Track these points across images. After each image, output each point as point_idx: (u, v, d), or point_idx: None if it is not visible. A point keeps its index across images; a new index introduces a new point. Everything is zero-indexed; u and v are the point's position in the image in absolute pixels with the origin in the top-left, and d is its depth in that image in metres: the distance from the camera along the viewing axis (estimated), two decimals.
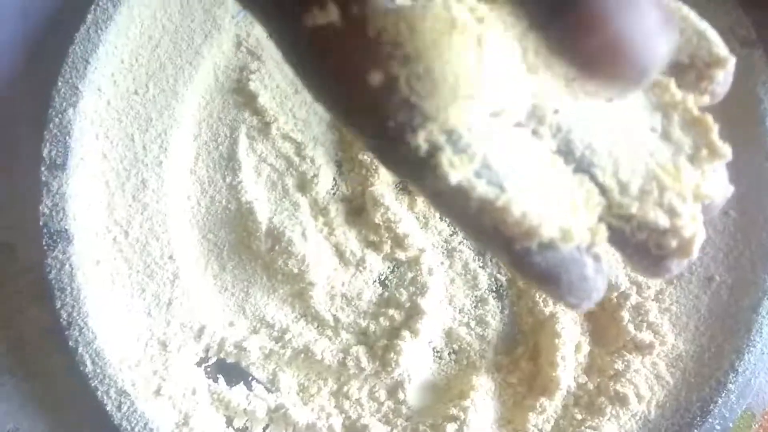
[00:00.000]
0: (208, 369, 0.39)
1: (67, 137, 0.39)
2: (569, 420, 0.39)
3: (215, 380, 0.39)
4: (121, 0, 0.40)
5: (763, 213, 0.40)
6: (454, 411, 0.38)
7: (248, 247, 0.40)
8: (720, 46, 0.23)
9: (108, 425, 0.37)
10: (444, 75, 0.18)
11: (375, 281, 0.41)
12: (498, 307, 0.41)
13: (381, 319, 0.40)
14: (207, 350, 0.39)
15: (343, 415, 0.39)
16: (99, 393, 0.37)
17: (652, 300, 0.40)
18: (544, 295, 0.40)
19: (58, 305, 0.38)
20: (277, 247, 0.39)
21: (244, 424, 0.38)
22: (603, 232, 0.21)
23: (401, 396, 0.39)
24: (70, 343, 0.37)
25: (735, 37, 0.42)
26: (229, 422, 0.38)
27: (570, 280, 0.20)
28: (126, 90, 0.41)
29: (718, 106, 0.42)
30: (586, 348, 0.39)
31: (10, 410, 0.39)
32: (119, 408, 0.37)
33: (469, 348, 0.40)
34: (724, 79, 0.23)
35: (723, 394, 0.38)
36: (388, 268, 0.41)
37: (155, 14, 0.41)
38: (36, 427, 0.39)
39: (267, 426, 0.38)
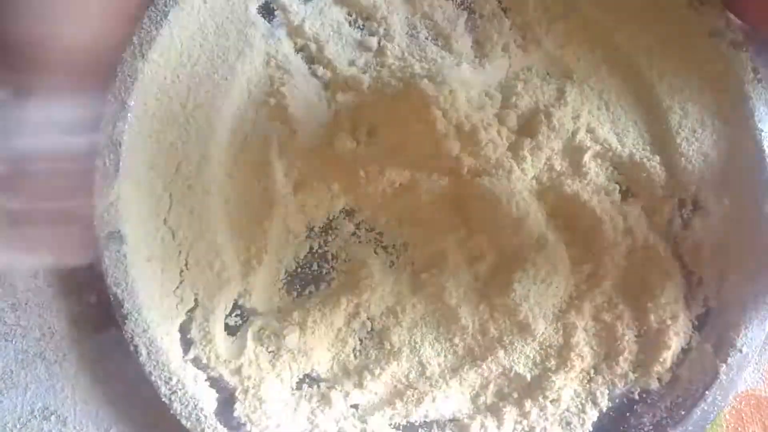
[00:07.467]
0: None
1: (118, 147, 0.43)
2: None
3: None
4: (163, 23, 0.44)
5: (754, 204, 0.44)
6: None
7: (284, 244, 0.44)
8: None
9: (155, 407, 0.41)
10: None
11: None
12: None
13: None
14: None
15: None
16: (153, 377, 0.41)
17: None
18: None
19: (112, 299, 0.41)
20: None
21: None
22: None
23: None
24: (126, 334, 0.41)
25: (725, 40, 0.45)
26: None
27: None
28: (169, 103, 0.44)
29: (714, 100, 0.46)
30: None
31: (40, 391, 0.44)
32: (173, 391, 0.41)
33: None
34: None
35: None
36: None
37: (193, 35, 0.45)
38: (66, 407, 0.44)
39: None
